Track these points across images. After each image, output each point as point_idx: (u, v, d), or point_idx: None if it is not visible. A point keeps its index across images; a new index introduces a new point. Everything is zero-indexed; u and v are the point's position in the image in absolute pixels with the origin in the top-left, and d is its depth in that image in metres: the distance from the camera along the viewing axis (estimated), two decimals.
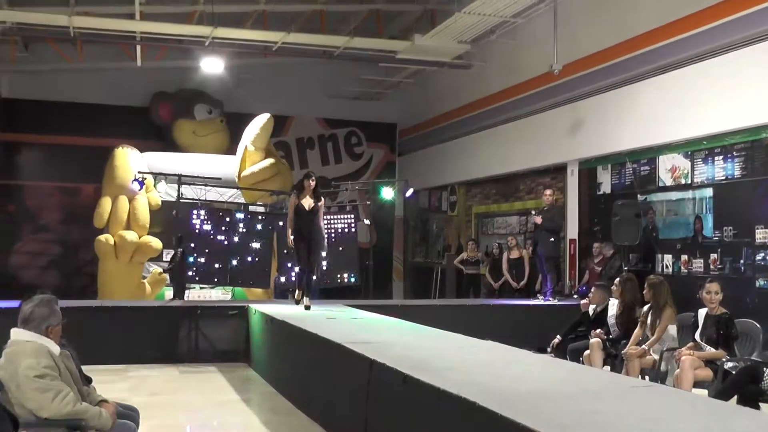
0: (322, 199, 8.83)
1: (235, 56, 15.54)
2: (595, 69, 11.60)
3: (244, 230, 11.37)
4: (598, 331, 8.01)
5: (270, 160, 14.54)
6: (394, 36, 15.55)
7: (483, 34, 13.33)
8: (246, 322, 9.46)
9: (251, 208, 12.90)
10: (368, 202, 14.97)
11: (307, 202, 8.59)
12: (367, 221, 14.35)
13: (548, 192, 11.47)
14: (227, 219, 11.43)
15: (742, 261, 9.11)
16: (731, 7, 9.15)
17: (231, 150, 15.57)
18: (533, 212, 11.55)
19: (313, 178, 8.65)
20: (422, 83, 17.55)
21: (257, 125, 14.48)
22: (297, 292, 9.13)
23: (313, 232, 8.55)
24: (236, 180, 14.20)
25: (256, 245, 11.37)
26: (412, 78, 17.46)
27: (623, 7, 11.16)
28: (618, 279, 8.31)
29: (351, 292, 12.75)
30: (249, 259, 11.37)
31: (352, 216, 12.85)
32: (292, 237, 8.53)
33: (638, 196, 10.86)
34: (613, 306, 8.25)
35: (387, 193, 14.38)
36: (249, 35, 13.96)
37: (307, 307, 8.61)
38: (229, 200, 13.37)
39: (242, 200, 13.76)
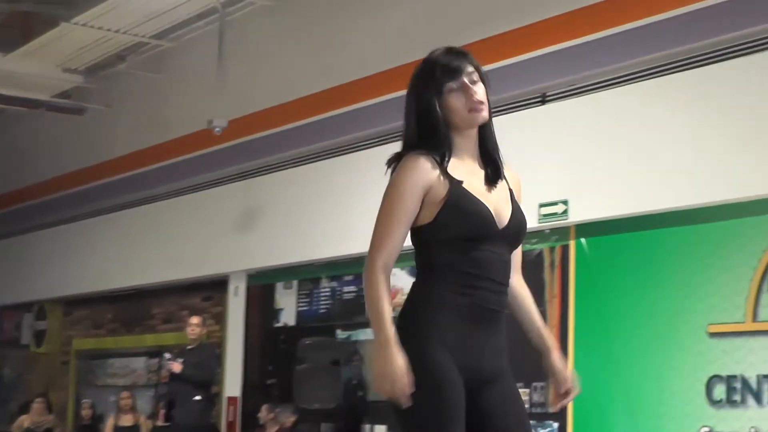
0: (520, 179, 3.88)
1: None
2: (281, 129, 11.56)
3: None
4: None
5: None
6: None
7: (107, 59, 13.29)
8: None
9: None
10: None
11: (477, 179, 3.62)
12: None
13: (196, 321, 11.41)
14: None
15: None
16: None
17: None
18: (168, 355, 11.41)
19: (481, 78, 3.68)
20: (1, 134, 17.12)
21: None
22: None
23: (497, 342, 3.63)
24: None
25: None
26: None
27: (329, 40, 11.24)
28: None
29: None
30: None
31: None
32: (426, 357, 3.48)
33: (338, 332, 10.93)
34: None
35: None
36: None
37: None
38: None
39: None
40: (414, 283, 3.61)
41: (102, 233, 14.66)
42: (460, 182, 3.52)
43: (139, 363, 14.30)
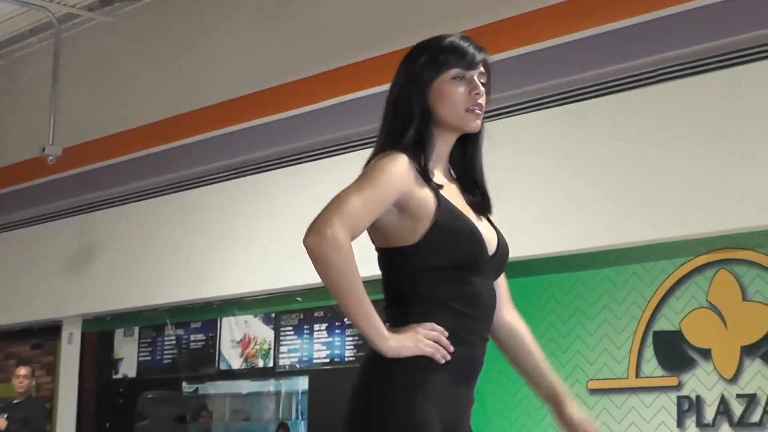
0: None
1: None
2: (122, 159, 11.41)
3: None
4: None
5: None
6: None
7: None
8: None
9: None
10: None
11: (456, 196, 3.24)
12: None
13: (24, 371, 11.34)
14: None
15: None
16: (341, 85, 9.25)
17: None
18: None
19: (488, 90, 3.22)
20: None
21: None
22: None
23: (472, 395, 3.22)
24: None
25: None
26: None
27: (177, 62, 11.16)
28: None
29: None
30: None
31: None
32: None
33: (184, 384, 10.85)
34: None
35: None
36: None
37: None
38: None
39: None
40: (387, 322, 3.03)
41: None
42: (447, 200, 3.08)
43: None
